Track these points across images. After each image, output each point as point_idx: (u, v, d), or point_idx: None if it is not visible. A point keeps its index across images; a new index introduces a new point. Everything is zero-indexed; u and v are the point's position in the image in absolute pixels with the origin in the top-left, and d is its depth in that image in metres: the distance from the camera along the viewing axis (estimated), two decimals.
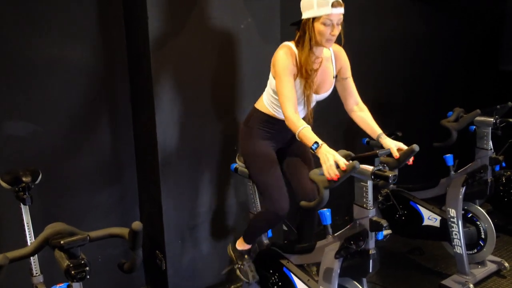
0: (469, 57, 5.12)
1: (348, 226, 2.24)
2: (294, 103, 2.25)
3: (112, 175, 2.96)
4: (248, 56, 2.97)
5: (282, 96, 2.26)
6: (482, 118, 3.18)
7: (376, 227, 2.12)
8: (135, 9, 2.70)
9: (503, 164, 3.64)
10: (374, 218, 2.14)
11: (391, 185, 3.59)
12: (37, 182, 2.17)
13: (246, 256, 2.74)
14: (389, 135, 3.47)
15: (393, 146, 2.30)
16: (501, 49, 4.90)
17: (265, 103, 2.51)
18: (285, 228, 3.34)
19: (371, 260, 2.16)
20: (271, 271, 2.70)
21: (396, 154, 2.25)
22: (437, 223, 3.33)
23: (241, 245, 2.75)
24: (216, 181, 3.00)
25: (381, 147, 3.55)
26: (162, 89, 2.67)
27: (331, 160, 1.98)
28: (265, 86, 2.98)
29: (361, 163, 2.05)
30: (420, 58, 4.67)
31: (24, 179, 2.11)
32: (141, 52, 2.71)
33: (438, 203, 3.37)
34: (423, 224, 3.43)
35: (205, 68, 2.83)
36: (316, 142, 2.07)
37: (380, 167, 2.07)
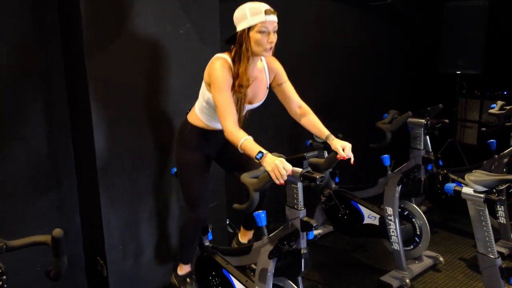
0: (409, 61, 5.34)
1: (281, 227, 2.30)
2: (234, 116, 2.26)
3: (51, 182, 2.90)
4: (187, 61, 2.99)
5: (222, 110, 2.25)
6: (414, 120, 3.33)
7: (306, 227, 2.19)
8: (70, 16, 2.68)
9: (440, 162, 3.83)
10: (305, 219, 2.20)
11: (334, 186, 3.72)
12: None
13: (188, 280, 2.79)
14: None
15: (339, 146, 2.35)
16: (438, 53, 5.12)
17: (198, 114, 2.51)
18: (230, 230, 3.38)
19: (303, 259, 2.23)
20: (212, 273, 2.74)
21: (342, 154, 2.32)
22: (376, 221, 3.46)
23: (181, 269, 2.83)
24: (157, 186, 3.00)
25: (324, 148, 3.67)
26: (98, 95, 2.66)
27: (281, 168, 1.99)
28: None
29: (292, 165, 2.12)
30: (362, 63, 4.84)
31: None
32: (76, 58, 2.68)
33: (377, 202, 3.50)
34: (363, 223, 3.55)
35: (143, 73, 2.83)
36: (260, 152, 2.07)
37: (309, 169, 2.14)
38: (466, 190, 2.41)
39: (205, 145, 2.56)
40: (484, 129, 3.80)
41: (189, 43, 2.99)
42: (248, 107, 2.47)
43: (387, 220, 3.31)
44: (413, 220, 3.39)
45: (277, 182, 2.02)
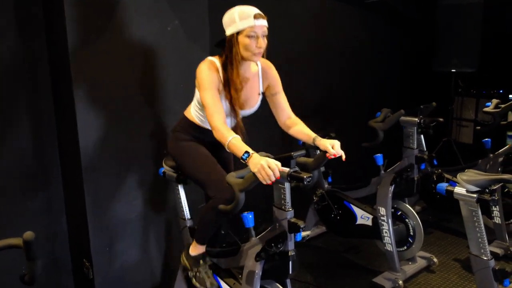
0: (404, 59, 5.27)
1: (269, 228, 2.24)
2: (221, 115, 2.22)
3: (37, 183, 2.84)
4: (176, 58, 2.93)
5: (209, 109, 2.22)
6: (407, 118, 3.27)
7: (294, 228, 2.13)
8: (54, 12, 2.62)
9: (435, 162, 3.77)
10: (292, 220, 2.14)
11: (326, 185, 3.66)
12: None
13: (201, 262, 2.56)
14: (323, 136, 3.54)
15: (328, 145, 2.29)
16: (433, 52, 5.05)
17: (192, 113, 2.50)
18: (222, 231, 3.31)
19: (290, 262, 2.16)
20: None
21: (332, 152, 2.25)
22: (369, 222, 3.39)
23: (194, 249, 2.58)
24: (145, 186, 2.94)
25: (317, 147, 3.62)
26: (83, 94, 2.59)
27: (267, 168, 1.92)
28: (193, 88, 2.96)
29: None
30: (358, 62, 4.77)
31: None
32: (61, 56, 2.62)
33: (371, 202, 3.43)
34: (356, 223, 3.48)
35: (129, 71, 2.77)
36: (246, 152, 2.01)
37: (296, 169, 2.08)
38: (458, 190, 2.35)
39: (196, 139, 2.50)
40: (478, 127, 3.75)
41: (177, 40, 2.93)
42: (240, 113, 2.41)
43: (379, 221, 3.25)
44: (406, 220, 3.33)
45: (265, 182, 1.96)
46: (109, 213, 2.82)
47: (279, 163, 1.95)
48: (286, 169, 2.05)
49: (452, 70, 4.93)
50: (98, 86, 2.66)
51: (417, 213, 4.26)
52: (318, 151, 3.56)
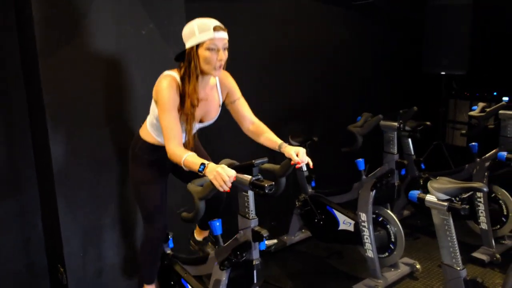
0: (394, 62, 5.20)
1: (234, 237, 2.20)
2: (178, 138, 2.20)
3: (11, 187, 2.84)
4: (150, 63, 2.89)
5: (166, 131, 2.19)
6: (387, 123, 3.21)
7: (257, 237, 2.09)
8: (24, 16, 2.60)
9: (422, 166, 3.71)
10: (256, 228, 2.11)
11: (310, 190, 3.62)
12: None
13: None
14: (305, 140, 3.51)
15: (292, 152, 2.21)
16: (423, 54, 4.97)
17: (149, 129, 2.45)
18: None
19: (255, 271, 2.13)
20: (172, 282, 2.66)
21: (295, 160, 2.18)
22: (351, 227, 3.34)
23: None
24: (119, 192, 2.91)
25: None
26: (53, 99, 2.56)
27: (223, 174, 1.91)
28: None
29: (244, 172, 2.05)
30: (346, 64, 4.72)
31: None
32: (31, 61, 2.60)
33: (354, 207, 3.38)
34: (339, 229, 3.44)
35: (102, 76, 2.73)
36: (202, 164, 2.00)
37: (259, 177, 2.04)
38: (429, 198, 2.30)
39: (158, 160, 2.46)
40: (463, 131, 3.69)
41: (153, 44, 2.89)
42: (198, 125, 2.40)
43: (361, 227, 3.20)
44: (388, 226, 3.27)
45: (221, 189, 1.93)
46: (82, 218, 2.79)
47: (234, 172, 1.93)
48: (249, 177, 2.02)
49: (442, 73, 4.86)
50: (69, 92, 2.62)
51: (405, 218, 4.22)
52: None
